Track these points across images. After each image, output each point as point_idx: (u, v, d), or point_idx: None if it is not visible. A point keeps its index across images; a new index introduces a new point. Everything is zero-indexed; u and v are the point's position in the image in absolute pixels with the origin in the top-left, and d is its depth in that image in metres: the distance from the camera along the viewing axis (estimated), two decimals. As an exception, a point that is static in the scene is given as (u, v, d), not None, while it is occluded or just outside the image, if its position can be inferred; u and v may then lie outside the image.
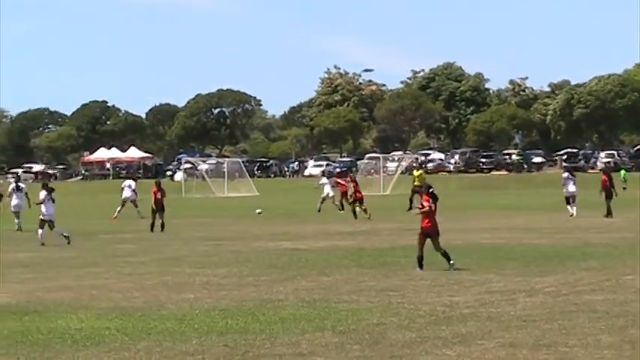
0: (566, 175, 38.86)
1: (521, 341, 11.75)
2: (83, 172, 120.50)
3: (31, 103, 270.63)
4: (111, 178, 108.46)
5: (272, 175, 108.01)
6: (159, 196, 33.24)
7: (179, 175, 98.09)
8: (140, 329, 13.06)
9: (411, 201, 42.47)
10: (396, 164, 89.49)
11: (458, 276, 18.31)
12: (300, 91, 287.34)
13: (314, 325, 13.14)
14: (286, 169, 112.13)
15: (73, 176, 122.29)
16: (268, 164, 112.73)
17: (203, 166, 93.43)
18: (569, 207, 37.74)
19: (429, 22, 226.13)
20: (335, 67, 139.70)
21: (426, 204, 19.36)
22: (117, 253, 24.65)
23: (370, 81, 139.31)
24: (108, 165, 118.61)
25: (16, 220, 34.74)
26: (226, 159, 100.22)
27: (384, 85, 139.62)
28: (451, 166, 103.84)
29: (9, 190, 37.88)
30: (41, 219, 28.07)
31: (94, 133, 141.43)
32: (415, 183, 43.81)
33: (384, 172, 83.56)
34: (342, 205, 42.83)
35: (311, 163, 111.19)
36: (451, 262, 19.25)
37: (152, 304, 15.49)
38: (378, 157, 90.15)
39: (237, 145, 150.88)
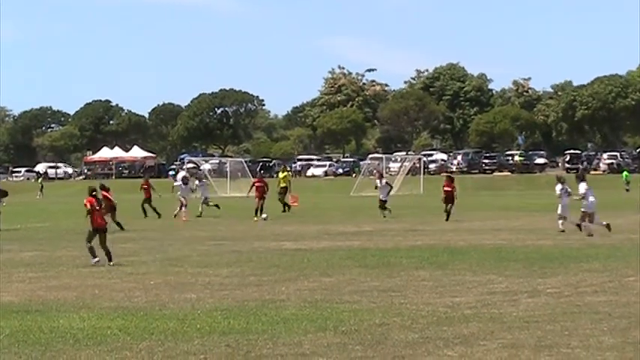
0: (384, 182, 39.86)
1: (523, 342, 11.73)
2: (86, 171, 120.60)
3: (34, 102, 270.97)
4: (114, 177, 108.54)
5: (274, 176, 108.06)
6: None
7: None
8: (142, 329, 13.04)
9: (284, 204, 45.03)
10: (398, 165, 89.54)
11: (460, 277, 18.30)
12: (304, 91, 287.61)
13: (316, 325, 13.12)
14: (289, 169, 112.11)
15: (75, 176, 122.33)
16: (271, 164, 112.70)
17: (206, 166, 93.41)
18: (385, 211, 38.69)
19: (433, 22, 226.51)
20: (339, 67, 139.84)
21: (89, 204, 21.71)
22: (119, 253, 24.63)
23: (374, 81, 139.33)
24: (111, 164, 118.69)
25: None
26: (229, 159, 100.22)
27: (387, 85, 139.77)
28: (454, 167, 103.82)
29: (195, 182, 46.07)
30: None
31: (97, 133, 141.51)
32: (281, 185, 46.43)
33: (386, 172, 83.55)
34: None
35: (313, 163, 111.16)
36: (111, 263, 21.29)
37: (154, 303, 15.48)
38: (381, 158, 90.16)
39: (240, 145, 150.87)
